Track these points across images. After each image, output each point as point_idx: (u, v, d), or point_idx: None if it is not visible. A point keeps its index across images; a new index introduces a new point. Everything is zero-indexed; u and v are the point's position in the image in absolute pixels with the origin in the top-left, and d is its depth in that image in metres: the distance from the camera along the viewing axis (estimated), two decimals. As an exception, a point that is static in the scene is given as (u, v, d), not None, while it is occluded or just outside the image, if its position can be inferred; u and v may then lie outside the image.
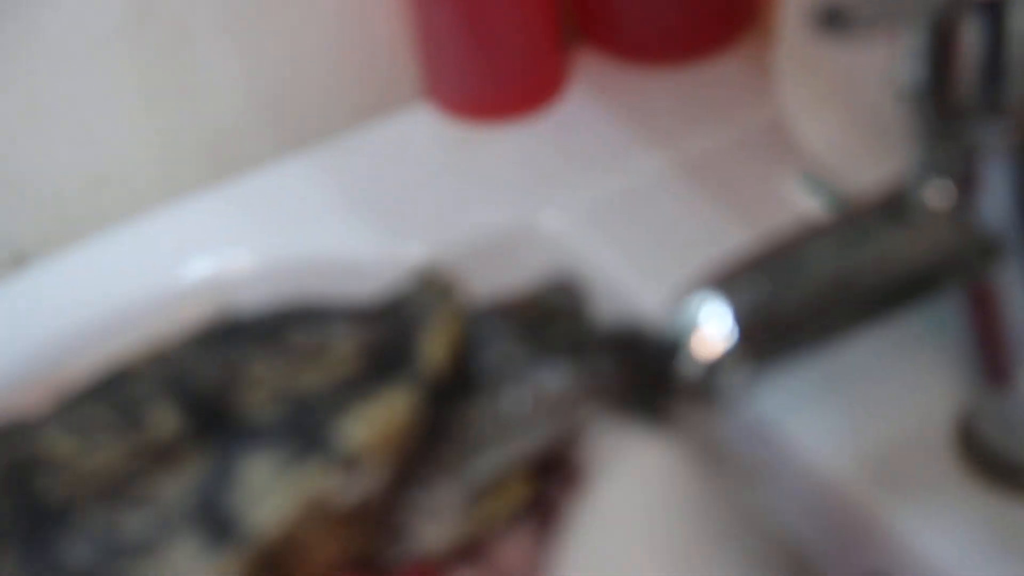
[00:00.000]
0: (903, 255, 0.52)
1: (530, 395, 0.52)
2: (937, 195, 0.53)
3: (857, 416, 0.62)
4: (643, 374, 0.55)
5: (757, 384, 0.52)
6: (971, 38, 0.50)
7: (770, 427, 0.63)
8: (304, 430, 0.49)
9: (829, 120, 0.71)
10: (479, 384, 0.53)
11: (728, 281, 0.51)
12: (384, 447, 0.49)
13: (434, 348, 0.51)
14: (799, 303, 0.51)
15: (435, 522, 0.51)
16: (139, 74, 0.73)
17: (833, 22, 0.46)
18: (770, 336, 0.51)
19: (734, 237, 0.71)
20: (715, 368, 0.51)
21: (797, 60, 0.71)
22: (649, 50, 0.79)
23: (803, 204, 0.70)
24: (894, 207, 0.53)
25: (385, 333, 0.52)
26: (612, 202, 0.74)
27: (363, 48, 0.78)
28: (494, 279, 0.74)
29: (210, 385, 0.50)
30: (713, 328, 0.51)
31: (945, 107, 0.51)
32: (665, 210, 0.73)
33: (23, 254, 0.74)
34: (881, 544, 0.59)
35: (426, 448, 0.50)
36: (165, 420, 0.50)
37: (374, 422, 0.49)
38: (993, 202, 0.52)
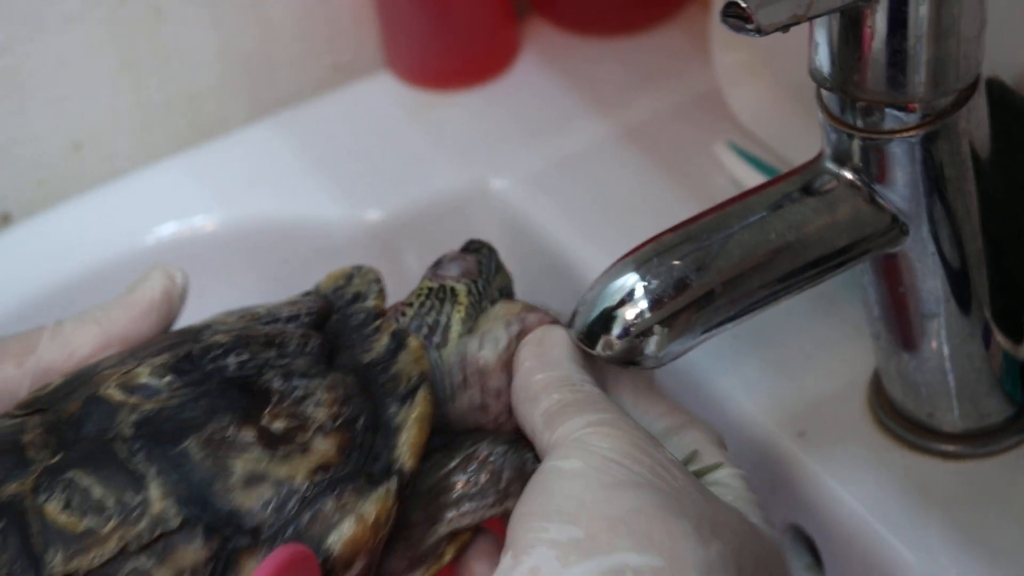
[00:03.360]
0: (816, 231, 0.52)
1: (479, 471, 0.51)
2: (848, 175, 0.52)
3: (781, 374, 0.62)
4: None
5: (678, 352, 0.51)
6: (878, 27, 0.49)
7: (697, 382, 0.63)
8: (297, 537, 0.48)
9: (759, 90, 0.71)
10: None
11: (650, 256, 0.51)
12: (370, 543, 0.48)
13: (412, 452, 0.50)
14: (717, 277, 0.51)
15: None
16: (115, 44, 0.73)
17: (733, 18, 0.46)
18: (690, 308, 0.51)
19: (671, 199, 0.71)
20: (638, 339, 0.50)
21: (729, 32, 0.70)
22: (595, 21, 0.79)
23: (735, 170, 0.70)
24: (808, 185, 0.53)
25: (364, 417, 0.50)
26: (559, 165, 0.73)
27: (328, 20, 0.77)
28: (447, 237, 0.74)
29: (198, 477, 0.48)
30: (636, 301, 0.51)
31: (854, 91, 0.50)
32: (608, 173, 0.73)
33: (7, 215, 0.73)
34: (800, 493, 0.60)
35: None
36: (161, 508, 0.48)
37: (363, 526, 0.48)
38: (899, 181, 0.52)
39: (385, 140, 0.75)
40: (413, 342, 0.52)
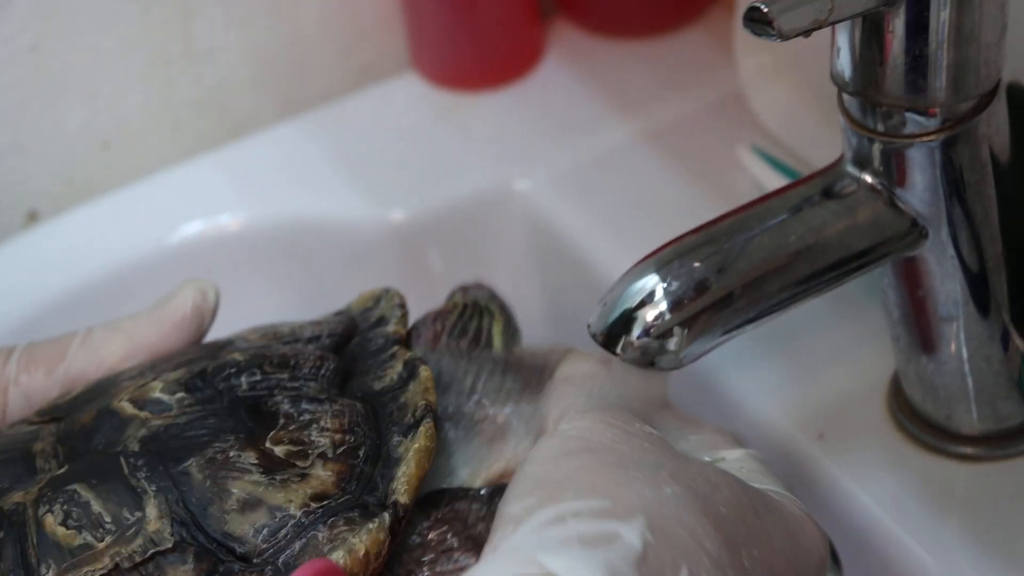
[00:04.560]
0: (836, 234, 0.52)
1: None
2: (869, 178, 0.53)
3: (800, 376, 0.63)
4: None
5: (698, 353, 0.52)
6: (899, 31, 0.50)
7: (717, 384, 0.63)
8: (287, 567, 0.48)
9: (782, 93, 0.71)
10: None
11: (670, 258, 0.52)
12: (362, 573, 0.49)
13: (408, 487, 0.50)
14: (737, 279, 0.51)
15: None
16: (145, 43, 0.74)
17: (755, 22, 0.47)
18: (710, 310, 0.51)
19: (695, 202, 0.71)
20: (657, 340, 0.51)
21: (753, 35, 0.71)
22: (620, 23, 0.79)
23: (758, 173, 0.71)
24: (829, 189, 0.53)
25: (367, 446, 0.50)
26: (583, 166, 0.74)
27: (355, 20, 0.78)
28: (471, 238, 0.74)
29: (196, 498, 0.49)
30: (656, 303, 0.51)
31: (875, 96, 0.51)
32: (632, 175, 0.73)
33: (35, 213, 0.74)
34: (819, 495, 0.60)
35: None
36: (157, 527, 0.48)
37: (353, 559, 0.48)
38: (919, 185, 0.52)
39: (410, 141, 0.76)
40: (424, 372, 0.52)
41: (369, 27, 0.78)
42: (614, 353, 0.51)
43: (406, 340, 0.55)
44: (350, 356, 0.54)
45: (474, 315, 0.57)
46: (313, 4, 0.77)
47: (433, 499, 0.52)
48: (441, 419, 0.53)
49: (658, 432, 0.52)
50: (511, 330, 0.58)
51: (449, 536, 0.51)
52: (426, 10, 0.77)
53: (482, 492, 0.52)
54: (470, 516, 0.51)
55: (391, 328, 0.55)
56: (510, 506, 0.46)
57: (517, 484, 0.47)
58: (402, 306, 0.56)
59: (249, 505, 0.48)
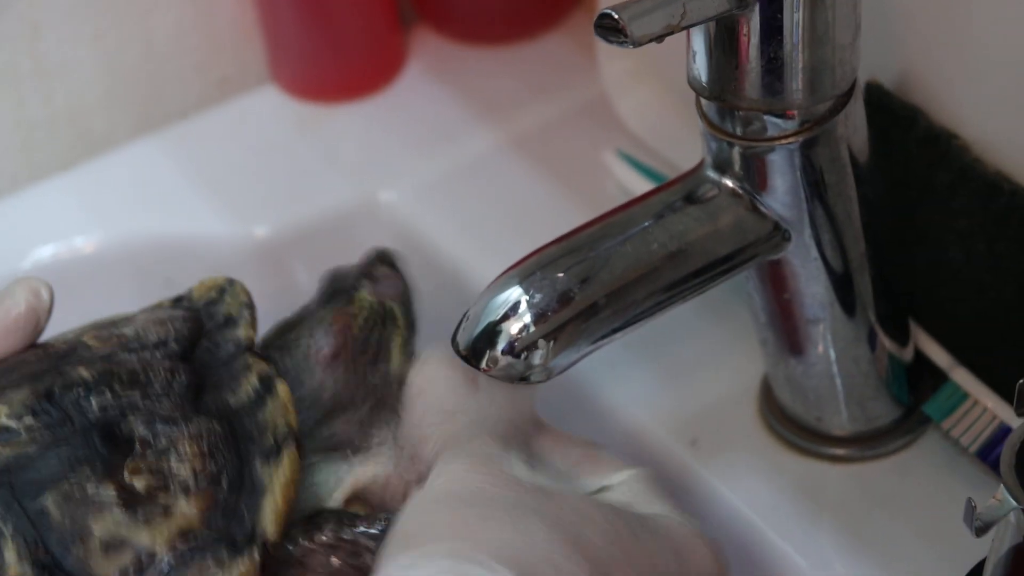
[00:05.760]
0: (698, 240, 0.52)
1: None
2: (730, 182, 0.53)
3: (672, 382, 0.63)
4: None
5: (566, 364, 0.52)
6: (753, 34, 0.50)
7: (588, 392, 0.63)
8: None
9: (646, 97, 0.71)
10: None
11: (533, 269, 0.51)
12: None
13: (276, 520, 0.49)
14: (601, 289, 0.51)
15: None
16: (-7, 62, 0.72)
17: (607, 29, 0.46)
18: (575, 321, 0.51)
19: (563, 209, 0.71)
20: (523, 354, 0.51)
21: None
22: (483, 29, 0.79)
23: (625, 177, 0.70)
24: (690, 194, 0.53)
25: (228, 472, 0.50)
26: (448, 176, 0.73)
27: (211, 33, 0.76)
28: (336, 252, 0.73)
29: (57, 538, 0.47)
30: (520, 316, 0.51)
31: (732, 100, 0.51)
32: (498, 184, 0.73)
33: None
34: (693, 501, 0.60)
35: None
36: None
37: None
38: (780, 188, 0.52)
39: (271, 155, 0.75)
40: (281, 388, 0.51)
41: (226, 40, 0.77)
42: (479, 368, 0.51)
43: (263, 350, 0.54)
44: (199, 363, 0.53)
45: (376, 324, 0.56)
46: (167, 18, 0.75)
47: (316, 521, 0.51)
48: (327, 448, 0.53)
49: (536, 461, 0.52)
50: (412, 337, 0.57)
51: (333, 563, 0.50)
52: (284, 21, 0.76)
53: (376, 529, 0.51)
54: (358, 547, 0.51)
55: (241, 332, 0.53)
56: (392, 557, 0.46)
57: (390, 544, 0.47)
58: (249, 306, 0.54)
59: (113, 546, 0.47)
